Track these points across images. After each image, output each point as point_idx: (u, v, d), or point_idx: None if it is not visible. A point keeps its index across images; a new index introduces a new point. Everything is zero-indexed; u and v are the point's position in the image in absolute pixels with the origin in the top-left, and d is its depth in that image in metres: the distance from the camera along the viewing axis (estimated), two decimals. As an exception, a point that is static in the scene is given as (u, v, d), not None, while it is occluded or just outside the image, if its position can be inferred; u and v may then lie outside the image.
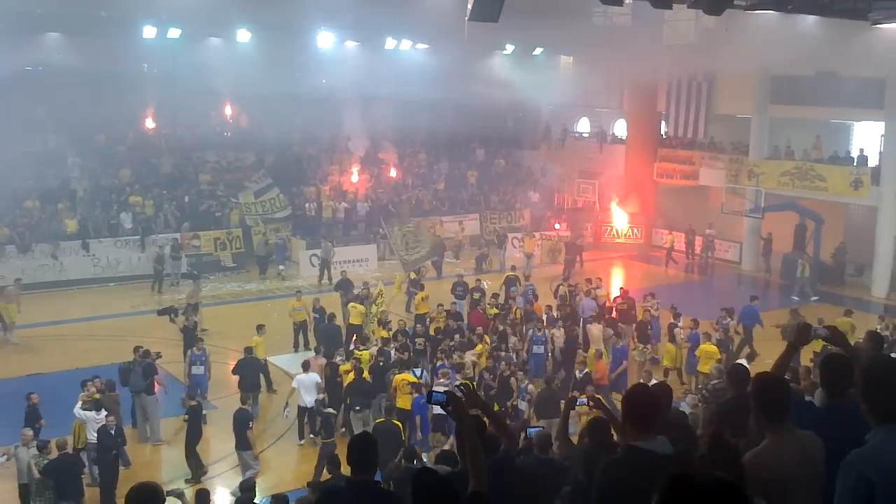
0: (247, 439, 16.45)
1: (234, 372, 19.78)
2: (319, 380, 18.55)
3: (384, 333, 21.76)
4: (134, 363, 18.80)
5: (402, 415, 17.40)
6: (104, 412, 16.05)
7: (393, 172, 41.13)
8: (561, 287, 26.51)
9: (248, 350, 20.04)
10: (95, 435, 15.82)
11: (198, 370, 19.96)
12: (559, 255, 34.91)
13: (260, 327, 21.77)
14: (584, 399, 9.55)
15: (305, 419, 18.52)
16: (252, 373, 19.71)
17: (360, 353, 19.95)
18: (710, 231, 36.52)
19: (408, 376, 18.34)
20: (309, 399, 17.95)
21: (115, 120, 37.86)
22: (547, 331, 22.03)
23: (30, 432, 15.09)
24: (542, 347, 21.46)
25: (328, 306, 24.30)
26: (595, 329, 22.27)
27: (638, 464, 4.58)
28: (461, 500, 4.49)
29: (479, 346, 20.62)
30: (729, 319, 22.60)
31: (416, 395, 17.85)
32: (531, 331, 21.77)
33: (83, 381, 17.71)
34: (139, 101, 38.08)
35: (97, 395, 17.08)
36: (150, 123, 39.25)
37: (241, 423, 16.49)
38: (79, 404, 16.62)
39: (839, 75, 31.22)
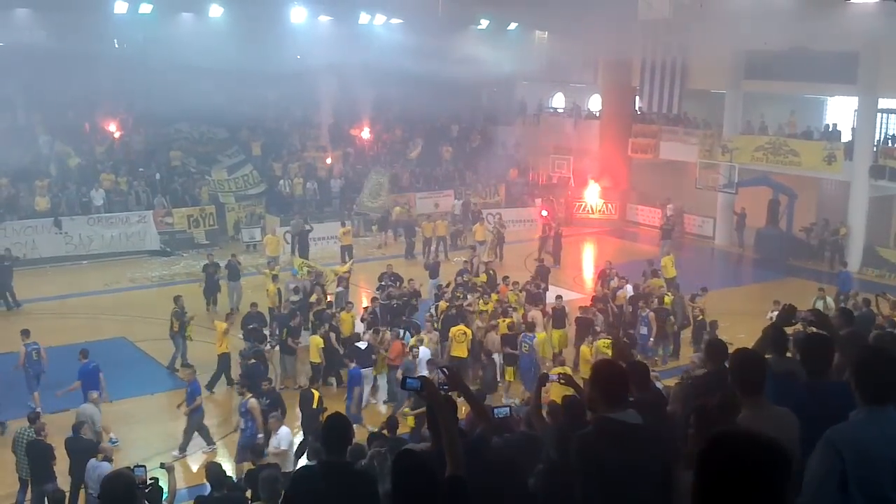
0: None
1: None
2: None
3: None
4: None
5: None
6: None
7: (367, 149, 40.87)
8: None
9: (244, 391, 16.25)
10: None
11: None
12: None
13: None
14: (555, 376, 9.67)
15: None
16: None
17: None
18: (671, 206, 36.72)
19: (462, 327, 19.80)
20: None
21: (87, 96, 37.26)
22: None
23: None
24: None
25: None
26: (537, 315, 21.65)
27: (610, 433, 4.61)
28: (438, 482, 4.46)
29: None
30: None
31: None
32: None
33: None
34: (111, 78, 37.49)
35: None
36: (121, 100, 38.65)
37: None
38: None
39: (813, 50, 31.26)
